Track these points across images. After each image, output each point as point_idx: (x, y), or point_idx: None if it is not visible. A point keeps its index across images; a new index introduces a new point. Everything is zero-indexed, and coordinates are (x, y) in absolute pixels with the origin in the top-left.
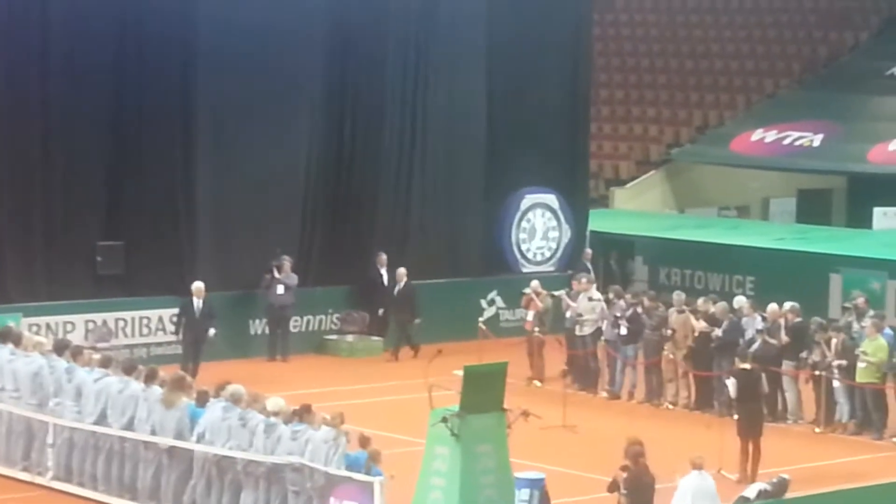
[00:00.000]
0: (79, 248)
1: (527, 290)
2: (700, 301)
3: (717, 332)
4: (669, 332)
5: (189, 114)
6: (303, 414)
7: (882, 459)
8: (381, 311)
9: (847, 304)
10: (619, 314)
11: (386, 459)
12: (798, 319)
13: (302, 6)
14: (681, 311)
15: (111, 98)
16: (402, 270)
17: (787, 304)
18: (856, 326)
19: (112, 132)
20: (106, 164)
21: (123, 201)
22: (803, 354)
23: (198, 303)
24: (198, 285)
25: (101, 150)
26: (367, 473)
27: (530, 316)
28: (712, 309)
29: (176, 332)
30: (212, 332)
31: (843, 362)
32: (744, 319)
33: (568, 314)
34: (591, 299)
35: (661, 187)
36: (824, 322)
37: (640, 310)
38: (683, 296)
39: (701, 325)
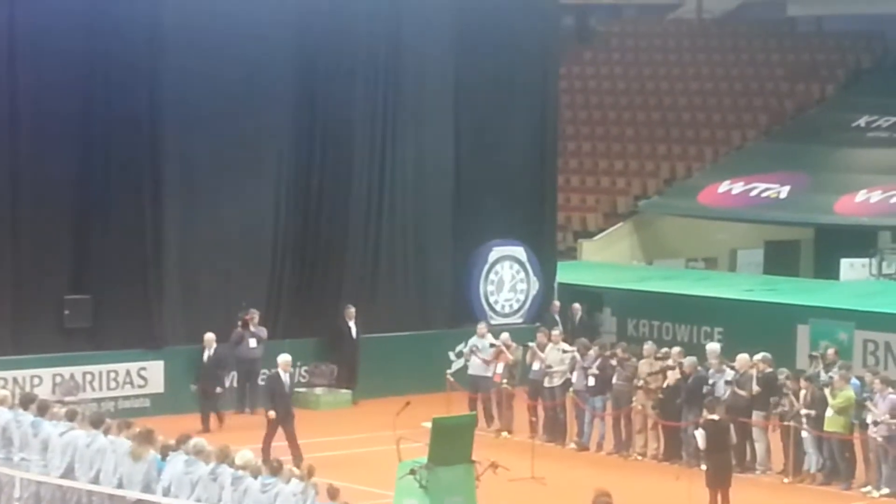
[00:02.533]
0: (46, 302)
1: (496, 343)
2: (675, 351)
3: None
4: (641, 382)
5: (157, 168)
6: (275, 469)
7: None
8: (193, 387)
9: (814, 353)
10: (587, 365)
11: None
12: (769, 370)
13: (270, 59)
14: (653, 367)
15: (79, 152)
16: (210, 336)
17: (759, 355)
18: (823, 376)
19: (79, 186)
20: (73, 218)
21: (91, 255)
22: (773, 401)
23: (285, 376)
24: (286, 358)
25: (68, 204)
26: None
27: (499, 368)
28: (682, 360)
29: (271, 408)
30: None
31: (812, 412)
32: (710, 371)
33: (536, 366)
34: (564, 351)
35: (628, 239)
36: (791, 373)
37: (613, 361)
38: (654, 347)
39: (673, 377)
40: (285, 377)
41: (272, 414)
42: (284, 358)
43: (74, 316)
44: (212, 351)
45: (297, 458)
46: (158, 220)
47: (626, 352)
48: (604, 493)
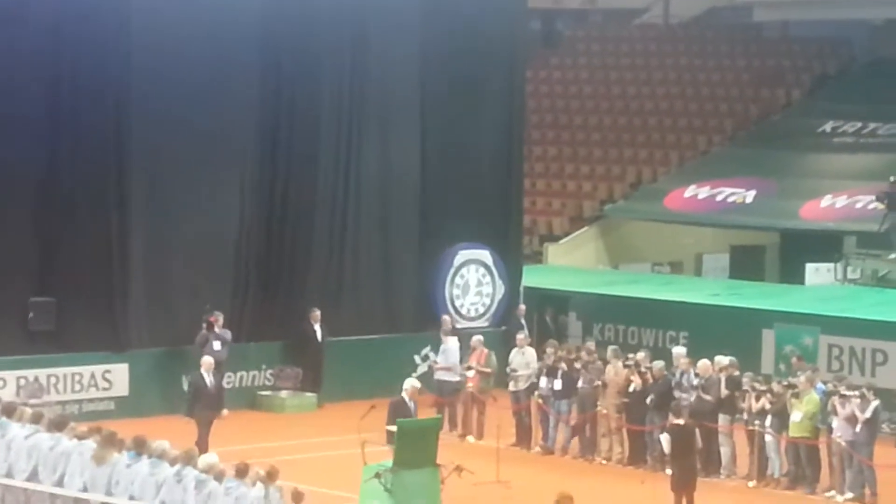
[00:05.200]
0: (10, 305)
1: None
2: (640, 356)
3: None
4: (600, 383)
5: (122, 171)
6: (240, 472)
7: None
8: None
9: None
10: (551, 363)
11: None
12: (737, 373)
13: (235, 63)
14: (618, 373)
15: (44, 154)
16: (209, 359)
17: (726, 359)
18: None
19: (44, 188)
20: (38, 220)
21: (55, 257)
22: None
23: (411, 403)
24: (414, 384)
25: (32, 207)
26: None
27: (471, 373)
28: (650, 364)
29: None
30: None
31: (768, 405)
32: (678, 373)
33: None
34: (537, 356)
35: (594, 243)
36: (755, 375)
37: (578, 364)
38: (618, 350)
39: (638, 380)
40: (411, 404)
41: (387, 447)
42: (412, 383)
43: (38, 318)
44: (211, 376)
45: None
46: (123, 222)
47: (591, 353)
48: (566, 497)
